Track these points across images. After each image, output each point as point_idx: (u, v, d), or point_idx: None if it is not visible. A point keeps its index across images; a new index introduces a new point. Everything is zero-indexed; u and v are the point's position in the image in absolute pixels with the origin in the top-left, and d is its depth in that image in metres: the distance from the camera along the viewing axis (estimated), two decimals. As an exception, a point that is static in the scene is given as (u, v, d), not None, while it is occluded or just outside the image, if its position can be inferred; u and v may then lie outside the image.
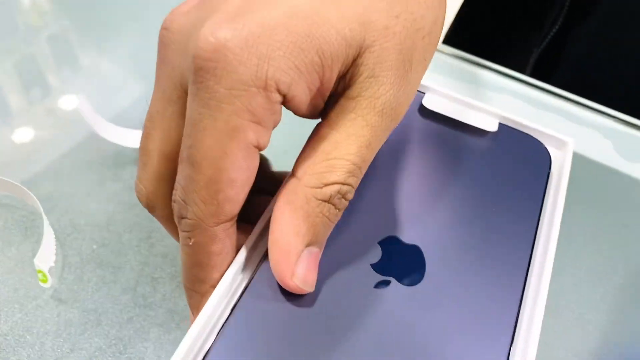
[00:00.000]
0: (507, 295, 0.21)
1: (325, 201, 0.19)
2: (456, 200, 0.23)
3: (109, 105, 0.42)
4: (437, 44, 0.22)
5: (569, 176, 0.25)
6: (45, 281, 0.27)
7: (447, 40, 0.44)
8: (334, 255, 0.21)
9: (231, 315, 0.20)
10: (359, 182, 0.20)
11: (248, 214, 0.21)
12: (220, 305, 0.20)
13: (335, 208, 0.20)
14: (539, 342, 0.20)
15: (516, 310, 0.20)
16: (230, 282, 0.20)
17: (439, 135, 0.26)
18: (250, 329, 0.19)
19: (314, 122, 0.21)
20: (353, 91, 0.19)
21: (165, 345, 0.28)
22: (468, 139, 0.26)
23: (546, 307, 0.20)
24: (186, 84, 0.19)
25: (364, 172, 0.20)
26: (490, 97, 0.43)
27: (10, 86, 0.44)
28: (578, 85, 0.43)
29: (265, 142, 0.19)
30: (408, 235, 0.22)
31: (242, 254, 0.21)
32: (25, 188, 0.32)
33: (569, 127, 0.41)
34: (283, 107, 0.20)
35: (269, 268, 0.20)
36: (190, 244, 0.20)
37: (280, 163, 0.26)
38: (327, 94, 0.20)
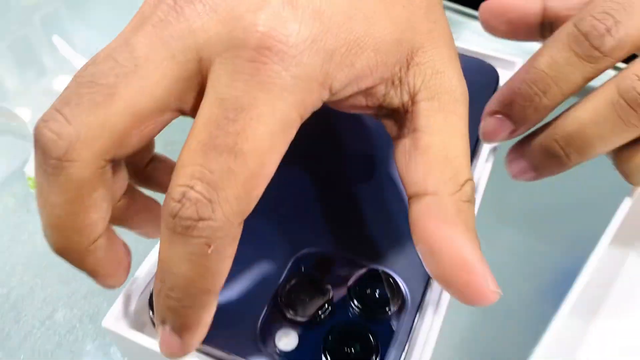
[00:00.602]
0: None
1: (468, 201, 0.19)
2: None
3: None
4: None
5: None
6: (33, 187, 0.29)
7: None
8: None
9: None
10: None
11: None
12: None
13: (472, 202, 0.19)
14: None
15: None
16: None
17: None
18: None
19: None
20: (428, 93, 0.19)
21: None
22: None
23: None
24: (210, 58, 0.17)
25: None
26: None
27: (5, 68, 0.44)
28: None
29: None
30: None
31: None
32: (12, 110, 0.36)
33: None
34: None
35: None
36: (210, 251, 0.16)
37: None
38: (382, 91, 0.20)
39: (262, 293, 0.20)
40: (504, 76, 0.26)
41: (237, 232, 0.17)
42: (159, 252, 0.17)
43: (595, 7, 0.22)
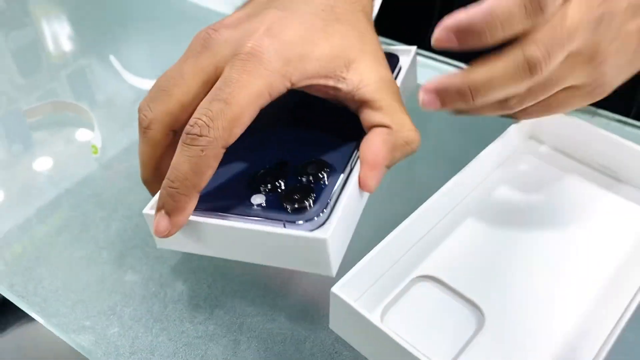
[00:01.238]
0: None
1: (406, 143, 0.32)
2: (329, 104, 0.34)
3: (124, 135, 0.46)
4: None
5: (416, 73, 0.41)
6: (96, 152, 0.45)
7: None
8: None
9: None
10: None
11: None
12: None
13: None
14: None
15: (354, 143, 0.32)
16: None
17: None
18: None
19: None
20: (367, 81, 0.31)
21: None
22: None
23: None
24: (222, 66, 0.29)
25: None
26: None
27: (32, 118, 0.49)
28: None
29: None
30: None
31: None
32: (79, 104, 0.48)
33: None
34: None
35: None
36: (202, 154, 0.27)
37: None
38: (332, 83, 0.31)
39: (244, 179, 0.32)
40: (403, 61, 0.39)
41: (220, 152, 0.28)
42: (173, 159, 0.28)
43: None
